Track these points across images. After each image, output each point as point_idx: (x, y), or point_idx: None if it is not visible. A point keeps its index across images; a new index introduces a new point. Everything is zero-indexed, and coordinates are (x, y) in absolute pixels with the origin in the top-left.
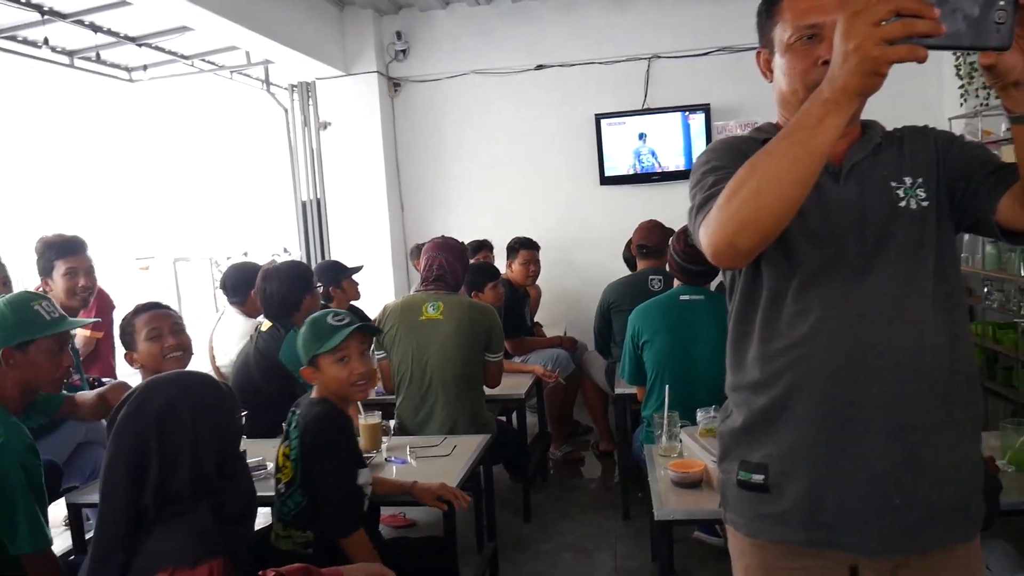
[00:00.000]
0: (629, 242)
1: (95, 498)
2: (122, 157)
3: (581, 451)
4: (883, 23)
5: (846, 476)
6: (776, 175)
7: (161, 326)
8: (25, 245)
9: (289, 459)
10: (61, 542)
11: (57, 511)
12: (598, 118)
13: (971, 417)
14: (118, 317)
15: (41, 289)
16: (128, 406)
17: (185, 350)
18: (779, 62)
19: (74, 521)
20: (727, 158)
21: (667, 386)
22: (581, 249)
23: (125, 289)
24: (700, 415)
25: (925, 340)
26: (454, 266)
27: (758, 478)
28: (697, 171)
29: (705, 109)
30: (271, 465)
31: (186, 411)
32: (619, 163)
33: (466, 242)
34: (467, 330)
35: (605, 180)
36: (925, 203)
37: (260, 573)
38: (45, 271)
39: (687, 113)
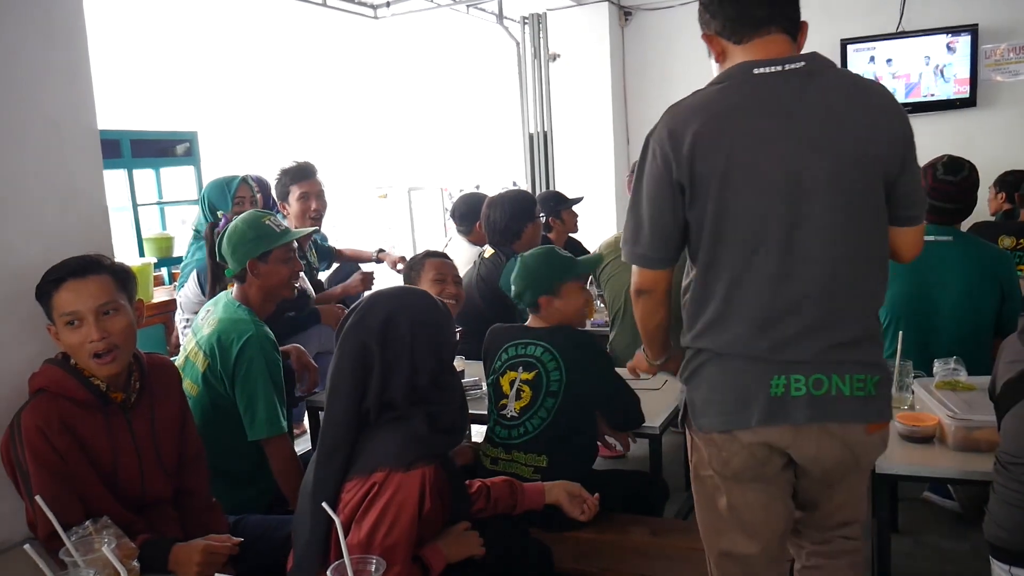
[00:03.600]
0: None
1: None
2: (364, 92)
3: None
4: None
5: None
6: None
7: (447, 274)
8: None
9: (530, 384)
10: (305, 443)
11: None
12: (844, 44)
13: None
14: None
15: (279, 212)
16: (353, 317)
17: (459, 301)
18: None
19: (314, 422)
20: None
21: (900, 332)
22: None
23: (366, 215)
24: (938, 366)
25: None
26: None
27: None
28: None
29: (972, 31)
30: (485, 385)
31: (405, 324)
32: None
33: None
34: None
35: None
36: None
37: (468, 482)
38: (282, 196)
39: (949, 36)
